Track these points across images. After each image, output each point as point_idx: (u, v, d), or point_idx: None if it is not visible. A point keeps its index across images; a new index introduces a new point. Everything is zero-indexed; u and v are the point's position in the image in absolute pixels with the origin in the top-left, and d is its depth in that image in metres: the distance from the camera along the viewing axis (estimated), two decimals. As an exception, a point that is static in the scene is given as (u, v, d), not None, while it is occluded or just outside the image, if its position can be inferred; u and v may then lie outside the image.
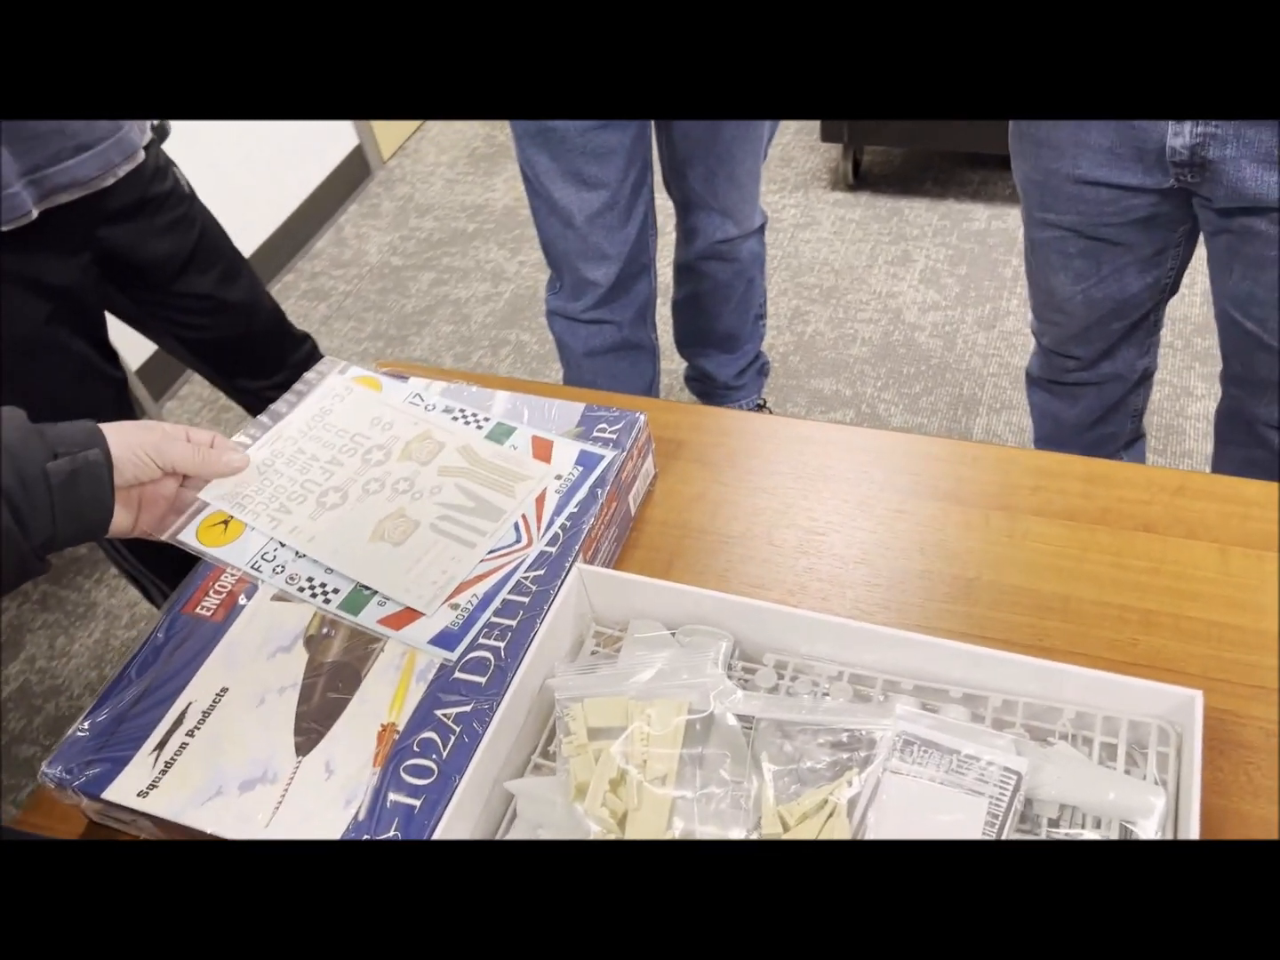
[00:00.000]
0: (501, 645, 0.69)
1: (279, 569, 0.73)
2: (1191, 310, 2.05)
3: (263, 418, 0.82)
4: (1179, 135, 0.99)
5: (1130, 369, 1.41)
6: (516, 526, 0.75)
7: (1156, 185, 1.06)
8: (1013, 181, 1.22)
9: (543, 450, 0.80)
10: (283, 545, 0.73)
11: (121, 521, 0.70)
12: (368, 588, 0.71)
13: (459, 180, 2.81)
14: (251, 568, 0.73)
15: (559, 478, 0.78)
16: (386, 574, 0.71)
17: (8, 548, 0.62)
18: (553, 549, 0.73)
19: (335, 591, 0.71)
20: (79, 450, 0.66)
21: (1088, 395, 1.46)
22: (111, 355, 1.30)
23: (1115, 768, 0.61)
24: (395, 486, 0.77)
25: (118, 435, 0.69)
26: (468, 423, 0.82)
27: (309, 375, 0.87)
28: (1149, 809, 0.58)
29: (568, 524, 0.75)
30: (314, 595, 0.71)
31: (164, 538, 0.73)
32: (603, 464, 0.78)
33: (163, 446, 0.71)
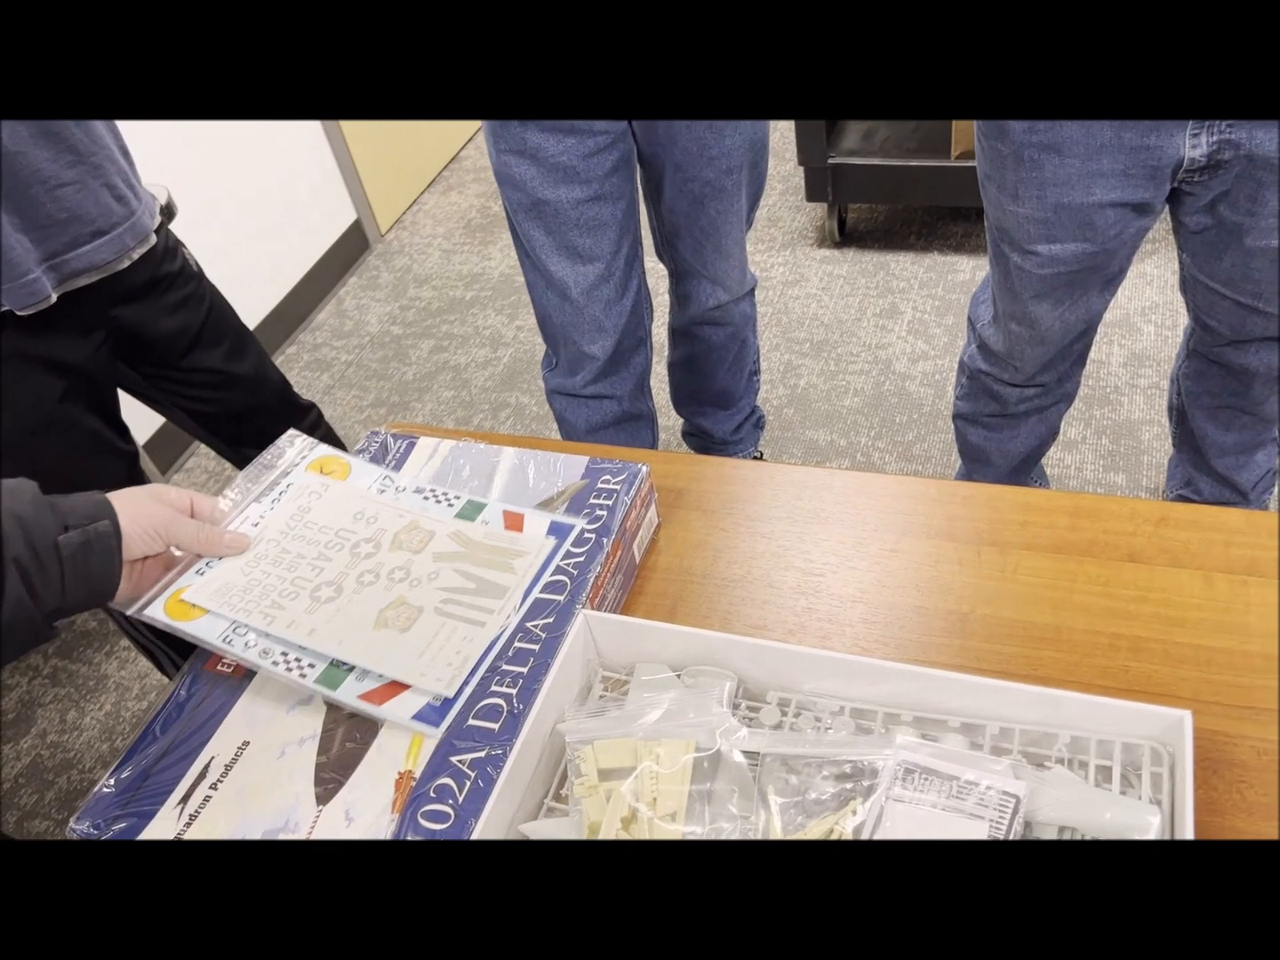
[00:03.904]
0: (513, 692, 0.71)
1: (250, 643, 0.73)
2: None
3: (230, 492, 0.83)
4: (1197, 147, 1.04)
5: (1076, 387, 1.47)
6: None
7: (1160, 196, 1.12)
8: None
9: (514, 523, 0.82)
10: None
11: (125, 589, 0.72)
12: (344, 663, 0.72)
13: (455, 250, 2.88)
14: (223, 641, 0.73)
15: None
16: (398, 660, 0.72)
17: (20, 615, 0.64)
18: (560, 597, 0.76)
19: (311, 666, 0.72)
20: (90, 522, 0.68)
21: (1030, 422, 1.51)
22: (123, 430, 1.33)
23: (1111, 789, 0.63)
24: (390, 576, 0.77)
25: (128, 509, 0.71)
26: (439, 502, 0.84)
27: (275, 448, 0.88)
28: (1145, 827, 0.60)
29: (574, 572, 0.77)
30: (289, 669, 0.72)
31: (131, 612, 0.74)
32: (573, 533, 0.80)
33: (171, 526, 0.73)
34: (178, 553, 0.78)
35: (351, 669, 0.72)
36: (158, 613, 0.74)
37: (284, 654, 0.72)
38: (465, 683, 0.71)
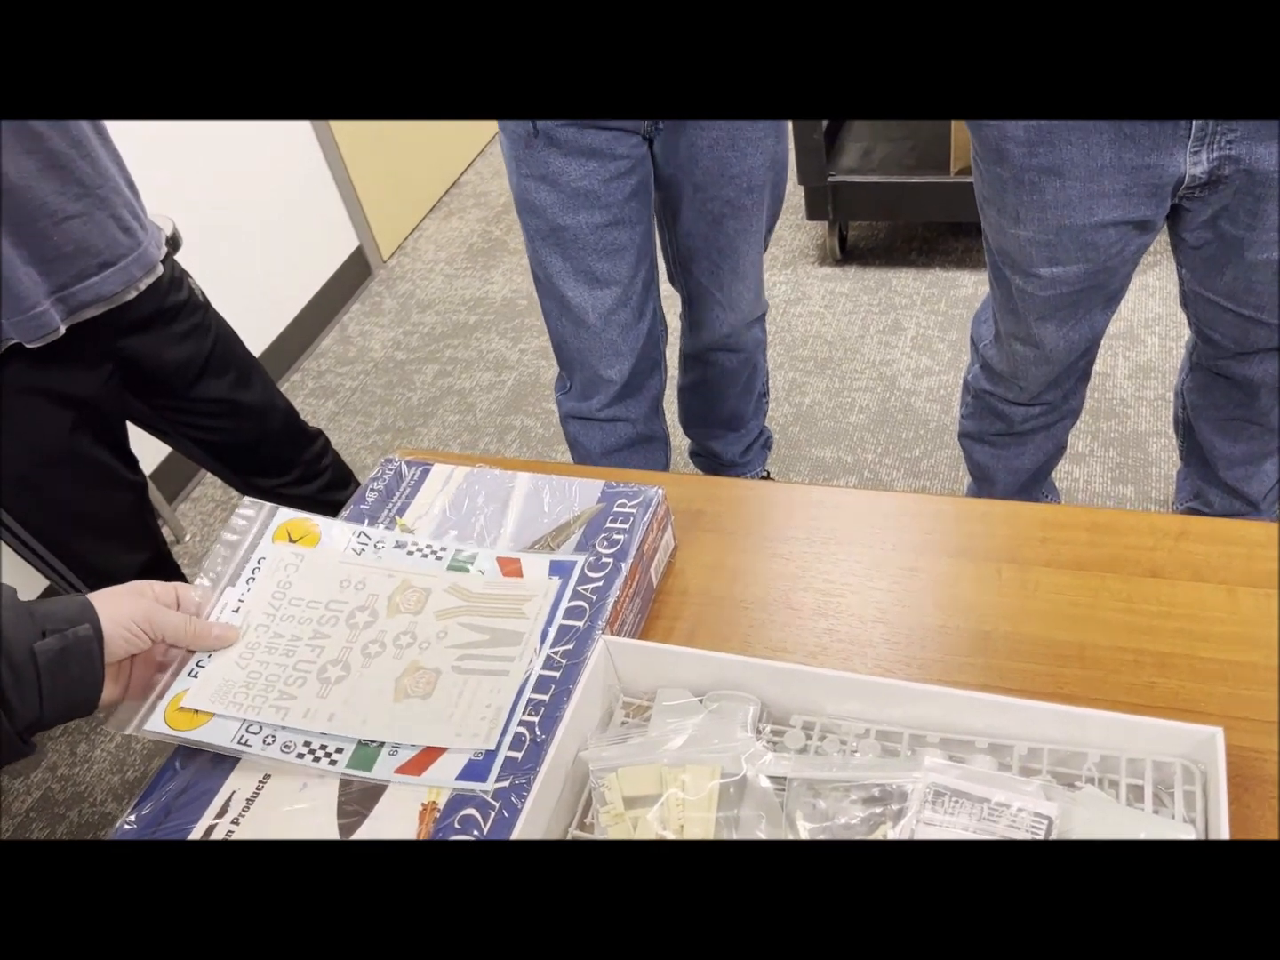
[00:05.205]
0: (535, 720, 0.70)
1: (270, 739, 0.70)
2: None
3: (202, 580, 0.79)
4: (1198, 164, 1.05)
5: (1081, 402, 1.48)
6: None
7: (1161, 214, 1.13)
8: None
9: (512, 569, 0.80)
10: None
11: (111, 694, 0.70)
12: (372, 740, 0.70)
13: (458, 275, 2.88)
14: (238, 743, 0.70)
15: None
16: (429, 727, 0.70)
17: None
18: (579, 622, 0.75)
19: (339, 751, 0.70)
20: (68, 626, 0.65)
21: (1037, 439, 1.51)
22: (131, 461, 1.33)
23: (1143, 808, 0.62)
24: (397, 642, 0.75)
25: (106, 607, 0.68)
26: (425, 556, 0.81)
27: (237, 522, 0.84)
28: (1180, 847, 0.59)
29: (593, 597, 0.77)
30: (317, 759, 0.69)
31: (129, 731, 0.70)
32: (576, 569, 0.79)
33: (154, 617, 0.70)
34: (161, 658, 0.75)
35: (382, 745, 0.70)
36: (159, 726, 0.71)
37: (306, 744, 0.70)
38: (503, 732, 0.70)
